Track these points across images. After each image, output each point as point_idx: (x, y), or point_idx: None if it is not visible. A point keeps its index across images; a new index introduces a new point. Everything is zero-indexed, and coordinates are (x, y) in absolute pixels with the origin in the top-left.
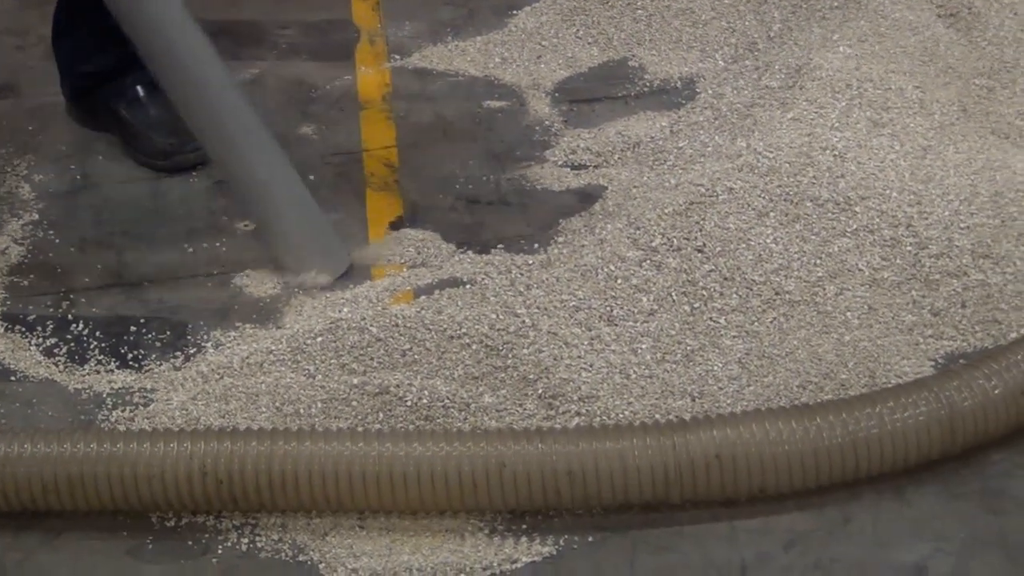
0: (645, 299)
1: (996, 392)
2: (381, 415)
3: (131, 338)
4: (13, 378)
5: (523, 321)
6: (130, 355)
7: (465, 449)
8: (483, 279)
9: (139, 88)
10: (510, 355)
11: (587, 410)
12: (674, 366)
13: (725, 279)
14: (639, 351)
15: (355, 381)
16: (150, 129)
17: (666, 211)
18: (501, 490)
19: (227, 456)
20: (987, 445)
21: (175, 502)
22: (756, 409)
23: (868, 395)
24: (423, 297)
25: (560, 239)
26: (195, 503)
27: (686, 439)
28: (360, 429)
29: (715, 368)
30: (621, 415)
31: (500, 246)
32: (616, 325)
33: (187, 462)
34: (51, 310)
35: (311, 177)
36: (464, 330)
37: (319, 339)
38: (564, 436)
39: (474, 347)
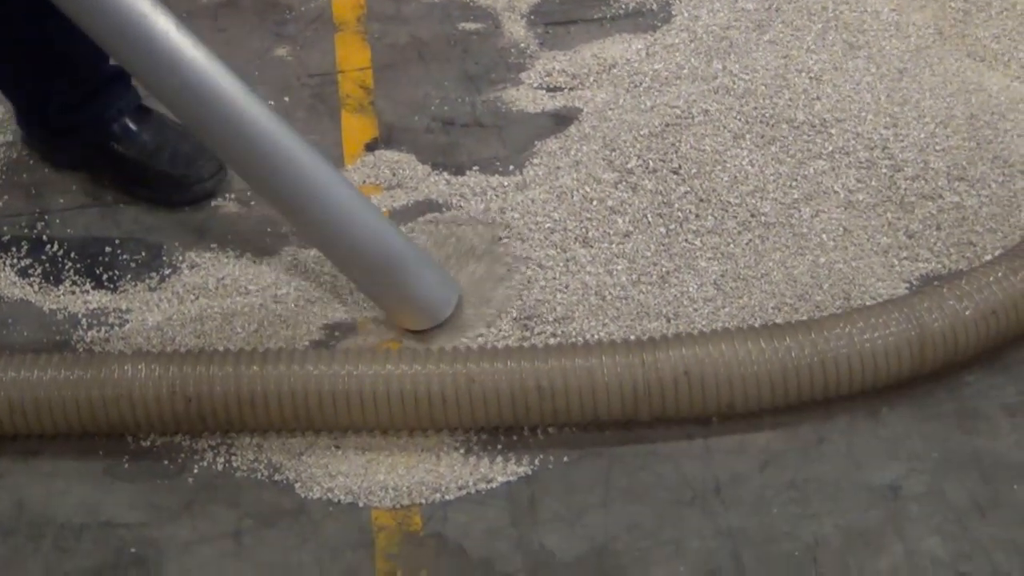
0: (620, 221)
1: (967, 313)
2: None
3: (106, 259)
4: None
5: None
6: (105, 276)
7: (434, 367)
8: (458, 201)
9: (127, 120)
10: None
11: (562, 331)
12: (649, 287)
13: (701, 201)
14: (614, 272)
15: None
16: (154, 160)
17: (641, 133)
18: (471, 406)
19: (196, 375)
20: (957, 365)
21: (143, 422)
22: (725, 328)
23: (838, 315)
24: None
25: (535, 161)
26: (164, 423)
27: (655, 356)
28: (328, 349)
29: (690, 289)
30: (596, 336)
31: (475, 168)
32: (591, 247)
33: (156, 382)
34: (26, 231)
35: (286, 99)
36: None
37: (295, 260)
38: (533, 353)
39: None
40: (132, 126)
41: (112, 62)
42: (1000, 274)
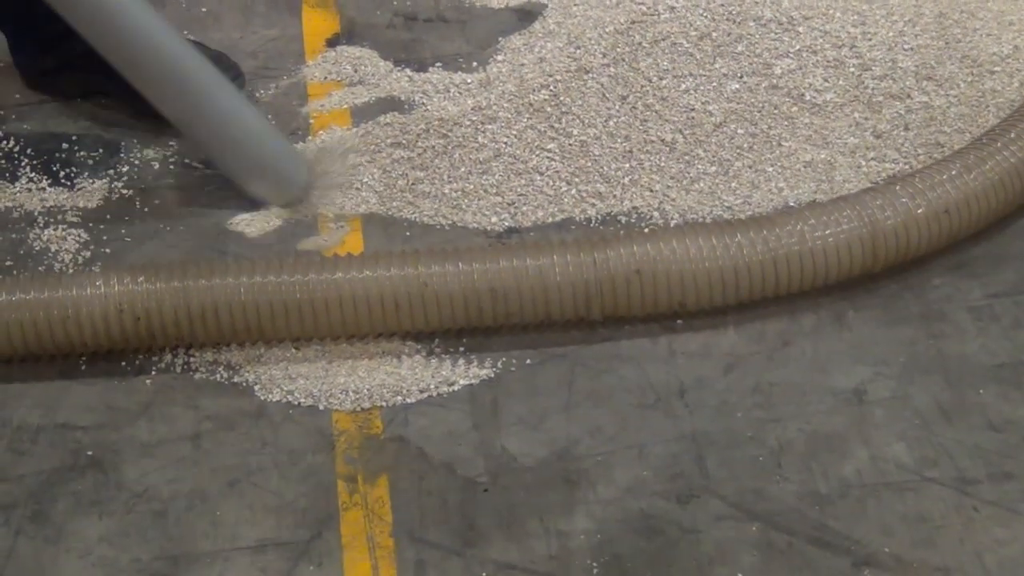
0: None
1: (919, 211)
2: None
3: (63, 155)
4: None
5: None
6: (62, 173)
7: (386, 271)
8: (421, 98)
9: None
10: None
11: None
12: (613, 191)
13: (664, 100)
14: (576, 179)
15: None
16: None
17: (607, 30)
18: (424, 310)
19: (143, 292)
20: (910, 263)
21: (91, 343)
22: (677, 225)
23: (790, 211)
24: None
25: (499, 58)
26: (113, 343)
27: (606, 255)
28: (277, 259)
29: (656, 191)
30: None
31: (438, 64)
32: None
33: (103, 301)
34: None
35: None
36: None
37: None
38: (485, 254)
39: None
40: None
41: None
42: (954, 172)
